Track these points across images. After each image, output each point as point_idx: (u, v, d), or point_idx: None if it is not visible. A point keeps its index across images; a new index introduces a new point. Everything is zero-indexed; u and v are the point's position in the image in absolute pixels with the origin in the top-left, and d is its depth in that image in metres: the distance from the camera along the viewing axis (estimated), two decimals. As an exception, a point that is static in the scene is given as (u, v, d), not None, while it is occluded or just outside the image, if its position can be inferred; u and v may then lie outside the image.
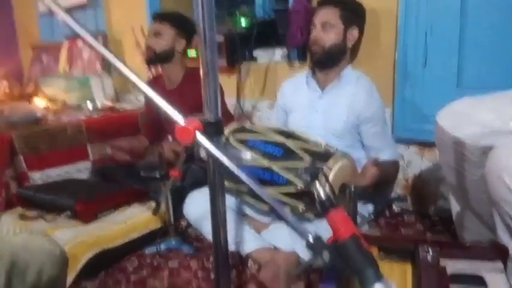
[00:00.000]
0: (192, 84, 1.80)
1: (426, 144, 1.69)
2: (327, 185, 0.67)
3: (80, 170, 2.19)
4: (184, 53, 2.05)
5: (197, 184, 1.80)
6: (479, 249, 0.84)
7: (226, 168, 0.69)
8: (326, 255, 0.66)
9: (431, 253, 0.84)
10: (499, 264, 0.82)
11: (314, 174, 1.28)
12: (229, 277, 0.95)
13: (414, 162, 1.75)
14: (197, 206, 1.68)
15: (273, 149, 1.48)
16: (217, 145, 0.71)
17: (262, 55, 2.29)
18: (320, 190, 0.65)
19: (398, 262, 0.87)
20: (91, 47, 0.70)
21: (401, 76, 1.72)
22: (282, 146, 1.47)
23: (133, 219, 1.63)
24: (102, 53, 0.70)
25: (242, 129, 1.62)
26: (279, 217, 1.52)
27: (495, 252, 0.83)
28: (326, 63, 1.70)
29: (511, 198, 0.81)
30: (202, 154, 1.69)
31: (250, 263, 1.47)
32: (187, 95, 1.89)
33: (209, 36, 0.77)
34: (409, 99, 1.71)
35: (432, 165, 1.68)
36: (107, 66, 2.93)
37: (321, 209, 0.65)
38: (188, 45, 2.04)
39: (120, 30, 2.93)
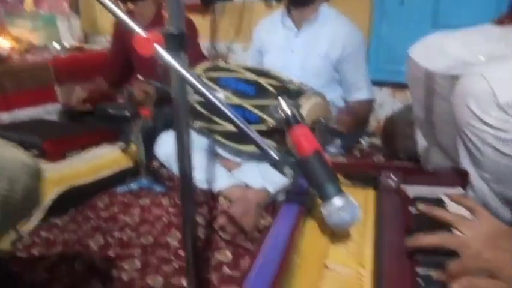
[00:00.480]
0: (164, 22, 1.71)
1: (398, 86, 1.70)
2: (291, 102, 0.66)
3: (49, 112, 2.12)
4: None
5: (169, 126, 1.78)
6: (441, 175, 0.86)
7: (187, 81, 0.67)
8: (288, 171, 0.66)
9: (393, 178, 0.86)
10: (459, 190, 0.84)
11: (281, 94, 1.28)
12: (194, 204, 0.95)
13: (386, 104, 1.76)
14: (168, 146, 1.66)
15: (245, 86, 1.46)
16: (179, 59, 0.68)
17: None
18: (284, 105, 0.64)
19: (362, 188, 0.88)
20: None
21: (378, 15, 1.69)
22: (254, 84, 1.45)
23: (102, 158, 1.61)
24: None
25: (214, 68, 1.58)
26: (259, 158, 1.53)
27: (456, 177, 0.85)
28: (302, 0, 1.65)
29: (474, 123, 0.82)
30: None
31: (221, 199, 1.48)
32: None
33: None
34: (385, 39, 1.70)
35: (404, 106, 1.70)
36: (74, 6, 2.77)
37: (285, 125, 0.65)
38: None
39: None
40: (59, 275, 1.13)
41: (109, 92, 2.06)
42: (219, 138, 1.57)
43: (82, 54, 2.36)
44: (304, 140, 0.63)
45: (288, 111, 0.64)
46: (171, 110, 1.91)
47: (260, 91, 1.44)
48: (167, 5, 0.74)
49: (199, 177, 1.51)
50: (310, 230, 0.70)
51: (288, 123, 0.64)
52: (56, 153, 1.56)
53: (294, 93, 1.41)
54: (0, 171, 0.63)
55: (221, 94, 1.50)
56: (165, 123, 1.82)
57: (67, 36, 2.55)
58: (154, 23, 1.94)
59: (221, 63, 1.65)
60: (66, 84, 2.18)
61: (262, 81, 1.45)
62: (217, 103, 0.68)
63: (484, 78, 0.79)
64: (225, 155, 1.66)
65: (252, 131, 0.68)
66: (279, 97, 0.66)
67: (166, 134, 1.71)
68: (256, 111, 1.41)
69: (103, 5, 0.66)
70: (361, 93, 1.66)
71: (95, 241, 1.28)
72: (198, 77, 0.69)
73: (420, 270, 0.58)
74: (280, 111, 0.65)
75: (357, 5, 1.77)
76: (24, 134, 1.63)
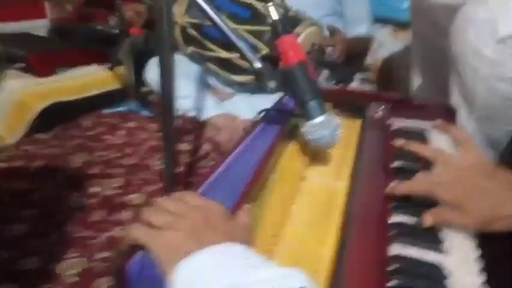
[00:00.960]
0: None
1: (400, 25, 1.64)
2: (281, 7, 0.61)
3: (36, 28, 2.03)
4: None
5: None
6: (430, 109, 0.84)
7: None
8: (272, 84, 0.63)
9: (381, 110, 0.84)
10: (447, 125, 0.83)
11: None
12: (173, 121, 0.92)
13: (386, 44, 1.71)
14: (157, 70, 1.62)
15: (240, 9, 1.39)
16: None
17: None
18: (273, 13, 0.60)
19: (349, 118, 0.86)
20: None
21: None
22: (250, 8, 1.39)
23: (90, 76, 1.57)
24: None
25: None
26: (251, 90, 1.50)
27: (445, 113, 0.84)
28: None
29: (470, 54, 0.79)
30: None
31: (209, 128, 1.47)
32: None
33: None
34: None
35: (404, 48, 1.64)
36: None
37: (273, 33, 0.61)
38: None
39: None
40: (40, 187, 1.13)
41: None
42: (211, 65, 1.53)
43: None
44: (290, 49, 0.60)
45: (277, 17, 0.60)
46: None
47: (255, 15, 1.38)
48: None
49: (188, 105, 1.49)
50: (290, 150, 0.69)
51: (276, 32, 0.60)
52: (43, 68, 1.52)
53: (291, 21, 1.36)
54: None
55: (215, 15, 1.43)
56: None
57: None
58: None
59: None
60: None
61: (259, 5, 1.38)
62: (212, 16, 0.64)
63: (488, 6, 0.74)
64: (216, 85, 1.63)
65: (237, 37, 0.64)
66: (269, 3, 0.61)
67: (156, 58, 1.65)
68: (250, 38, 1.36)
69: None
70: (361, 27, 1.62)
71: (79, 158, 1.28)
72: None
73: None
74: (269, 18, 0.61)
75: None
76: (11, 47, 1.57)
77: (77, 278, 0.84)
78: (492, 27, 0.75)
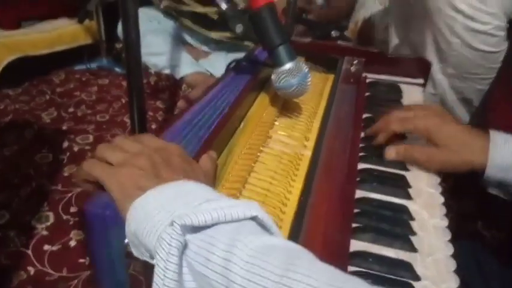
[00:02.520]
0: None
1: (382, -15, 1.60)
2: None
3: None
4: None
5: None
6: (404, 64, 0.84)
7: None
8: (239, 27, 0.61)
9: (355, 64, 0.83)
10: (420, 80, 0.83)
11: None
12: (141, 82, 0.89)
13: (367, 4, 1.68)
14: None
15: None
16: None
17: None
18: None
19: (323, 72, 0.85)
20: None
21: None
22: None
23: (59, 30, 1.49)
24: None
25: None
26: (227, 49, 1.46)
27: (419, 68, 0.83)
28: None
29: (445, 8, 0.78)
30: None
31: (184, 86, 1.44)
32: None
33: None
34: None
35: (383, 8, 1.61)
36: None
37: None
38: None
39: None
40: (8, 141, 1.09)
41: None
42: (187, 21, 1.47)
43: None
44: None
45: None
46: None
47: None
48: None
49: (163, 62, 1.45)
50: (260, 99, 0.67)
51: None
52: (10, 20, 1.43)
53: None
54: None
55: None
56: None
57: None
58: None
59: None
60: None
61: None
62: None
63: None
64: (192, 42, 1.58)
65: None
66: None
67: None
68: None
69: None
70: None
71: (48, 114, 1.24)
72: None
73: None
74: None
75: None
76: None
77: (47, 232, 0.83)
78: (468, -20, 0.73)
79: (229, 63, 0.77)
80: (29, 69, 1.40)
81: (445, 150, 0.50)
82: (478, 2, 0.76)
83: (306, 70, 0.60)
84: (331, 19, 1.49)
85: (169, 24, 1.54)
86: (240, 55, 1.45)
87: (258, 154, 0.55)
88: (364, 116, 0.67)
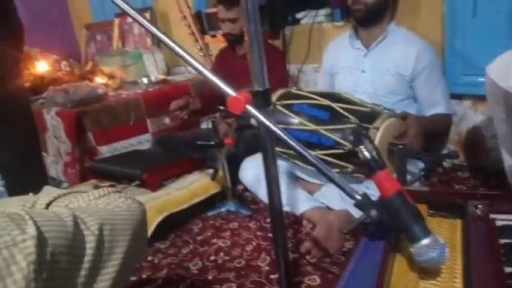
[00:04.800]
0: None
1: (479, 98, 1.65)
2: (371, 146, 0.71)
3: (141, 142, 2.37)
4: None
5: (250, 150, 1.91)
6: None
7: (274, 133, 0.76)
8: (373, 212, 0.72)
9: (480, 207, 0.87)
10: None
11: (359, 135, 1.32)
12: (285, 234, 1.03)
13: (467, 117, 1.72)
14: (251, 171, 1.78)
15: (319, 112, 1.53)
16: (265, 113, 0.76)
17: (305, 17, 2.28)
18: (365, 152, 0.71)
19: (447, 218, 0.90)
20: (140, 24, 0.75)
21: (450, 28, 1.67)
22: (328, 109, 1.51)
23: (194, 185, 1.77)
24: (152, 31, 0.75)
25: (288, 94, 1.67)
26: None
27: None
28: (369, 20, 1.70)
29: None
30: (253, 121, 1.78)
31: (304, 222, 1.56)
32: None
33: (251, 7, 0.81)
34: (459, 52, 1.66)
35: (486, 118, 1.64)
36: (157, 41, 3.05)
37: (368, 169, 0.71)
38: None
39: (166, 3, 3.00)
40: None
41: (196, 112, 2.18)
42: (298, 162, 1.65)
43: (168, 87, 2.58)
44: (386, 181, 0.69)
45: (369, 157, 0.70)
46: (250, 135, 2.05)
47: (334, 116, 1.50)
48: (251, 64, 0.84)
49: (283, 201, 1.60)
50: (399, 265, 0.74)
51: (371, 169, 0.70)
52: (155, 183, 1.75)
53: (367, 116, 1.45)
54: (119, 230, 0.65)
55: (296, 120, 1.58)
56: (245, 147, 1.96)
57: (153, 70, 2.81)
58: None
59: (293, 90, 1.74)
60: (155, 115, 2.41)
61: (335, 106, 1.51)
62: (300, 150, 0.76)
63: None
64: (304, 177, 1.74)
65: (334, 175, 0.75)
66: (361, 144, 0.72)
67: (248, 160, 1.83)
68: (333, 136, 1.47)
69: (195, 69, 0.77)
70: (438, 108, 1.65)
71: (194, 264, 1.43)
72: (283, 130, 0.76)
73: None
74: (362, 157, 0.71)
75: (426, 19, 1.77)
76: (125, 167, 1.84)
77: None
78: None
79: (360, 219, 0.85)
80: (173, 223, 1.65)
81: None
82: None
83: (443, 242, 0.67)
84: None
85: (282, 164, 1.73)
86: (352, 185, 1.55)
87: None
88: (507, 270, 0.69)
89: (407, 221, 0.68)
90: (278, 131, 0.76)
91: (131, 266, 0.69)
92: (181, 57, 0.74)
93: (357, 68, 1.78)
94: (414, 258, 0.68)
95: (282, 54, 2.25)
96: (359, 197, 0.72)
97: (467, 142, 1.73)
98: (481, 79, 1.39)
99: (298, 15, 2.30)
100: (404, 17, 1.79)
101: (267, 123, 0.76)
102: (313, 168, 1.58)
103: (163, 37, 0.74)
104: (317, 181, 1.70)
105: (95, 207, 0.67)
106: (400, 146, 1.17)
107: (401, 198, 0.69)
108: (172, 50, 0.73)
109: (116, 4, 0.75)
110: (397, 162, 1.19)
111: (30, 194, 0.73)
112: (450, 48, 1.68)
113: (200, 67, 0.76)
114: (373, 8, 1.65)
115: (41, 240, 0.51)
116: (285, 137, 0.76)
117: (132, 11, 0.75)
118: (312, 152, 0.78)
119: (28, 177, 1.52)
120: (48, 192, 0.74)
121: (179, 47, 0.74)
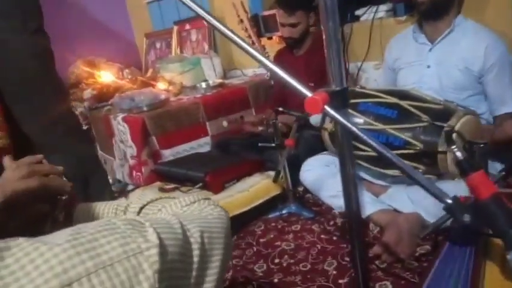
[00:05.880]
0: (318, 48, 1.80)
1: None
2: (462, 145, 0.66)
3: (201, 145, 2.41)
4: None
5: (310, 151, 1.87)
6: None
7: (354, 135, 0.73)
8: (466, 217, 0.66)
9: None
10: None
11: (450, 135, 1.24)
12: (363, 239, 0.99)
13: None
14: (312, 172, 1.75)
15: (386, 111, 1.47)
16: (343, 113, 0.74)
17: (365, 13, 2.21)
18: (458, 153, 0.66)
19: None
20: (211, 26, 0.75)
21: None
22: (396, 107, 1.45)
23: (255, 187, 1.77)
24: (224, 33, 0.75)
25: (352, 93, 1.62)
26: (407, 181, 1.51)
27: None
28: (434, 13, 1.61)
29: None
30: (313, 121, 1.74)
31: (371, 225, 1.50)
32: (312, 60, 2.10)
33: (330, 4, 0.78)
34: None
35: None
36: (213, 46, 3.11)
37: (460, 171, 0.66)
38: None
39: (223, 8, 3.05)
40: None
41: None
42: (363, 163, 1.59)
43: (225, 90, 2.62)
44: (480, 184, 0.64)
45: (462, 158, 0.65)
46: (310, 135, 2.01)
47: (403, 114, 1.43)
48: (328, 64, 0.81)
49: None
50: (491, 272, 0.69)
51: (464, 170, 0.65)
52: (217, 185, 1.77)
53: (440, 114, 1.37)
54: (217, 240, 0.62)
55: (361, 120, 1.53)
56: (306, 148, 1.93)
57: (211, 74, 2.86)
58: (310, 49, 2.20)
59: (357, 89, 1.68)
60: (213, 118, 2.45)
61: (404, 103, 1.44)
62: (382, 151, 0.72)
63: None
64: (369, 179, 1.68)
65: (420, 177, 0.70)
66: (452, 147, 0.67)
67: (310, 161, 1.80)
68: (402, 135, 1.40)
69: (271, 70, 0.76)
70: (509, 106, 1.53)
71: (259, 267, 1.42)
72: (364, 131, 0.73)
73: None
74: (453, 158, 0.66)
75: (496, 13, 1.65)
76: (189, 169, 1.88)
77: None
78: None
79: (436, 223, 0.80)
80: (236, 225, 1.65)
81: None
82: None
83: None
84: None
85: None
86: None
87: None
88: None
89: (504, 225, 0.62)
90: (359, 133, 0.73)
91: (224, 273, 0.67)
92: (255, 58, 0.73)
93: (422, 64, 1.71)
94: (510, 266, 0.63)
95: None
96: (449, 201, 0.67)
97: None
98: None
99: (358, 12, 2.24)
100: (471, 8, 1.68)
101: (345, 122, 0.74)
102: (377, 168, 1.54)
103: (239, 41, 0.73)
104: (382, 182, 1.64)
105: (190, 215, 0.66)
106: (481, 145, 1.09)
107: (498, 202, 0.63)
108: (246, 52, 0.73)
109: (188, 5, 0.75)
110: (478, 161, 1.10)
111: (123, 199, 0.74)
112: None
113: (276, 69, 0.74)
114: (438, 0, 1.57)
115: (162, 247, 0.49)
116: (367, 139, 0.72)
117: (206, 14, 0.76)
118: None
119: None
120: (140, 197, 0.76)
121: (254, 49, 0.73)
